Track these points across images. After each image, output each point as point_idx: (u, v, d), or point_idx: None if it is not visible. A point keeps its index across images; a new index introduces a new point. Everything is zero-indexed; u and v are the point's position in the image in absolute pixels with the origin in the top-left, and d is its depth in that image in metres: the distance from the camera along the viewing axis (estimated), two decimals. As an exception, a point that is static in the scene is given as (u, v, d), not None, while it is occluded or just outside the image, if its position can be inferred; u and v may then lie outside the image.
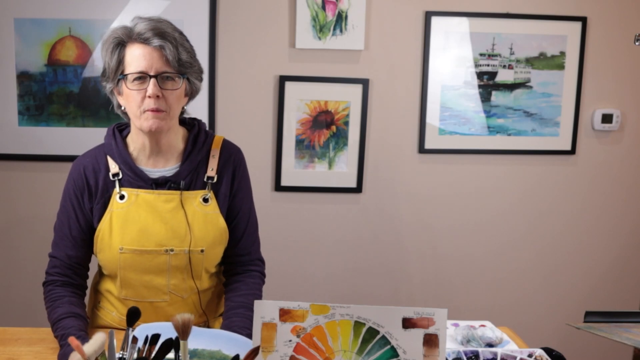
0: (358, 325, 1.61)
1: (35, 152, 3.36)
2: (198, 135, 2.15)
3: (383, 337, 1.61)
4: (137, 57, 1.95)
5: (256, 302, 1.63)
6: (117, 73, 1.99)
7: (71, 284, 2.08)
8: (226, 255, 2.19)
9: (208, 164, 2.12)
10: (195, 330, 1.67)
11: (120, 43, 1.98)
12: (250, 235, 2.20)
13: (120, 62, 1.98)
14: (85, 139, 3.27)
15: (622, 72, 3.60)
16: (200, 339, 1.75)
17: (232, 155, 2.16)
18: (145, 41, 1.95)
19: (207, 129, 2.23)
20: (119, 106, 2.08)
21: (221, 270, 2.25)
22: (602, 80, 3.60)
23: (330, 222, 3.56)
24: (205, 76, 3.30)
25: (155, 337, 1.56)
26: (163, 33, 1.97)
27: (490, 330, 2.04)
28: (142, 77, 1.95)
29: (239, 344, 1.77)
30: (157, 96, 1.95)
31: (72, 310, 2.00)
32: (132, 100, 1.97)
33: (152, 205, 2.04)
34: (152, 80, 1.94)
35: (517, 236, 3.70)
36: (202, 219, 2.06)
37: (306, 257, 3.58)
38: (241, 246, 2.18)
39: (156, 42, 1.95)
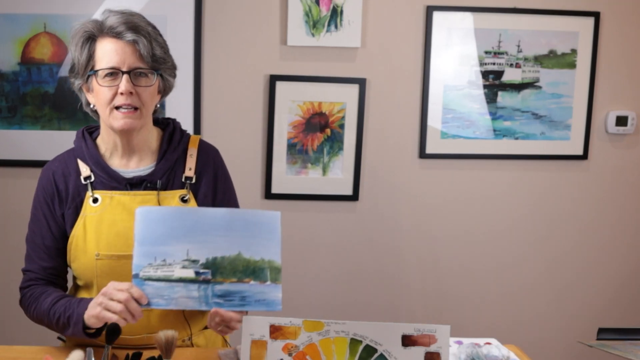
0: (354, 342, 1.62)
1: (8, 157, 3.36)
2: (173, 134, 2.17)
3: (381, 355, 1.62)
4: (108, 52, 1.97)
5: (244, 318, 1.63)
6: (87, 69, 2.00)
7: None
8: None
9: (185, 164, 2.14)
10: (198, 215, 1.76)
11: (91, 37, 1.99)
12: None
13: (91, 57, 1.99)
14: (61, 142, 3.25)
15: (637, 71, 3.61)
16: (209, 236, 1.77)
17: (210, 156, 2.19)
18: (117, 35, 1.97)
19: (182, 128, 2.24)
20: (88, 104, 2.10)
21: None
22: (616, 80, 3.61)
23: (325, 233, 3.56)
24: (191, 76, 3.31)
25: (137, 355, 1.56)
26: (136, 27, 1.98)
27: (496, 349, 2.04)
28: (114, 72, 1.97)
29: (259, 233, 1.80)
30: (130, 93, 1.97)
31: (61, 295, 2.02)
32: (102, 97, 1.99)
33: (128, 208, 2.04)
34: (125, 76, 1.96)
35: (525, 247, 3.70)
36: None
37: (299, 269, 3.58)
38: None
39: (129, 36, 1.96)
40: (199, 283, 1.75)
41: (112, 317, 1.77)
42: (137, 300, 1.76)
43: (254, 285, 1.76)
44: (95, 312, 1.81)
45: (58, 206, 2.08)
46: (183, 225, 1.75)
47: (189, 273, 1.74)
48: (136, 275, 1.76)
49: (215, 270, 1.75)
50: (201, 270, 1.74)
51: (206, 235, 1.75)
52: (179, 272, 1.74)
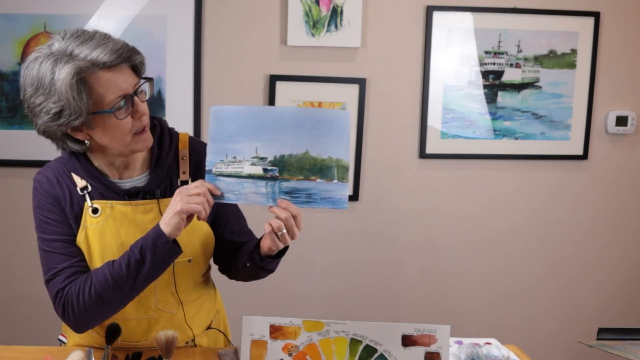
0: (354, 342, 1.62)
1: (8, 157, 3.36)
2: (162, 137, 2.09)
3: (381, 355, 1.62)
4: (111, 84, 1.84)
5: (244, 318, 1.63)
6: (89, 108, 1.83)
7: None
8: (228, 252, 2.17)
9: (179, 167, 2.08)
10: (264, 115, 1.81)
11: (81, 76, 1.81)
12: (246, 224, 2.21)
13: (89, 96, 1.82)
14: (61, 143, 3.27)
15: (637, 71, 3.61)
16: (278, 134, 1.81)
17: (202, 154, 2.05)
18: (112, 67, 1.84)
19: (176, 128, 2.17)
20: (78, 142, 1.96)
21: (207, 279, 2.23)
22: (616, 80, 3.61)
23: (324, 233, 3.56)
24: (190, 76, 3.31)
25: (137, 355, 1.56)
26: (123, 51, 1.86)
27: (496, 349, 2.04)
28: (125, 99, 1.85)
29: (328, 132, 1.82)
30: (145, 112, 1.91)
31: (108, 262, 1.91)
32: (123, 129, 1.87)
33: (130, 218, 2.00)
34: (136, 98, 1.87)
35: (525, 247, 3.70)
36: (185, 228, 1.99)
37: (299, 269, 3.58)
38: (244, 232, 2.18)
39: (125, 65, 1.87)
40: (266, 180, 1.81)
41: (196, 208, 1.79)
42: (211, 192, 1.82)
43: (320, 183, 1.81)
44: (177, 208, 1.80)
45: (63, 209, 2.00)
46: (253, 123, 1.81)
47: (257, 170, 1.80)
48: (209, 171, 1.84)
49: (283, 167, 1.80)
50: (269, 167, 1.80)
51: (274, 133, 1.80)
52: (248, 169, 1.81)
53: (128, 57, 1.87)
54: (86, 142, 1.95)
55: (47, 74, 1.81)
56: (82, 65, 1.80)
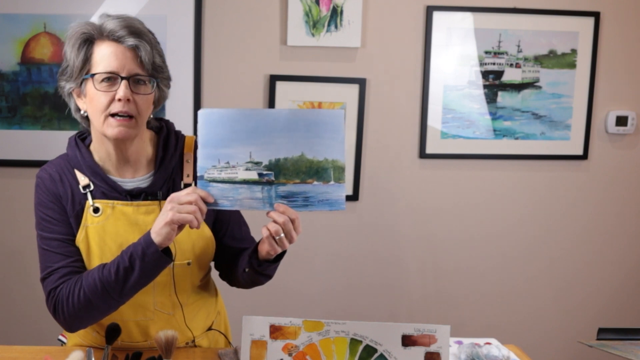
0: (354, 342, 1.62)
1: (8, 157, 3.36)
2: (168, 139, 2.10)
3: (381, 355, 1.61)
4: (107, 56, 1.89)
5: (244, 318, 1.62)
6: (82, 72, 1.92)
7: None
8: (229, 258, 2.16)
9: (183, 170, 2.08)
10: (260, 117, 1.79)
11: (89, 39, 1.92)
12: (248, 231, 2.20)
13: (87, 60, 1.92)
14: (61, 142, 3.22)
15: (637, 71, 3.61)
16: (272, 138, 1.80)
17: None
18: (118, 39, 1.89)
19: (176, 128, 2.17)
20: (78, 110, 2.02)
21: (207, 282, 2.23)
22: (616, 80, 3.61)
23: (324, 233, 3.56)
24: (190, 76, 3.31)
25: (137, 355, 1.56)
26: (139, 32, 1.92)
27: (496, 349, 2.04)
28: (112, 78, 1.89)
29: (322, 133, 1.81)
30: (128, 100, 1.88)
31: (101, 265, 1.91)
32: (97, 102, 1.90)
33: (132, 218, 1.99)
34: (124, 82, 1.88)
35: (525, 247, 3.70)
36: (186, 229, 1.95)
37: (299, 269, 3.58)
38: (245, 239, 2.18)
39: (131, 41, 1.89)
40: (262, 184, 1.79)
41: (187, 218, 1.77)
42: (203, 200, 1.80)
43: (317, 185, 1.80)
44: (167, 218, 1.78)
45: (64, 207, 2.00)
46: (245, 127, 1.78)
47: (252, 175, 1.78)
48: (201, 177, 1.81)
49: (278, 171, 1.79)
50: (264, 172, 1.79)
51: (268, 136, 1.78)
52: (242, 174, 1.79)
53: (135, 37, 1.90)
54: (82, 111, 2.00)
55: (69, 31, 1.94)
56: (91, 27, 1.91)
